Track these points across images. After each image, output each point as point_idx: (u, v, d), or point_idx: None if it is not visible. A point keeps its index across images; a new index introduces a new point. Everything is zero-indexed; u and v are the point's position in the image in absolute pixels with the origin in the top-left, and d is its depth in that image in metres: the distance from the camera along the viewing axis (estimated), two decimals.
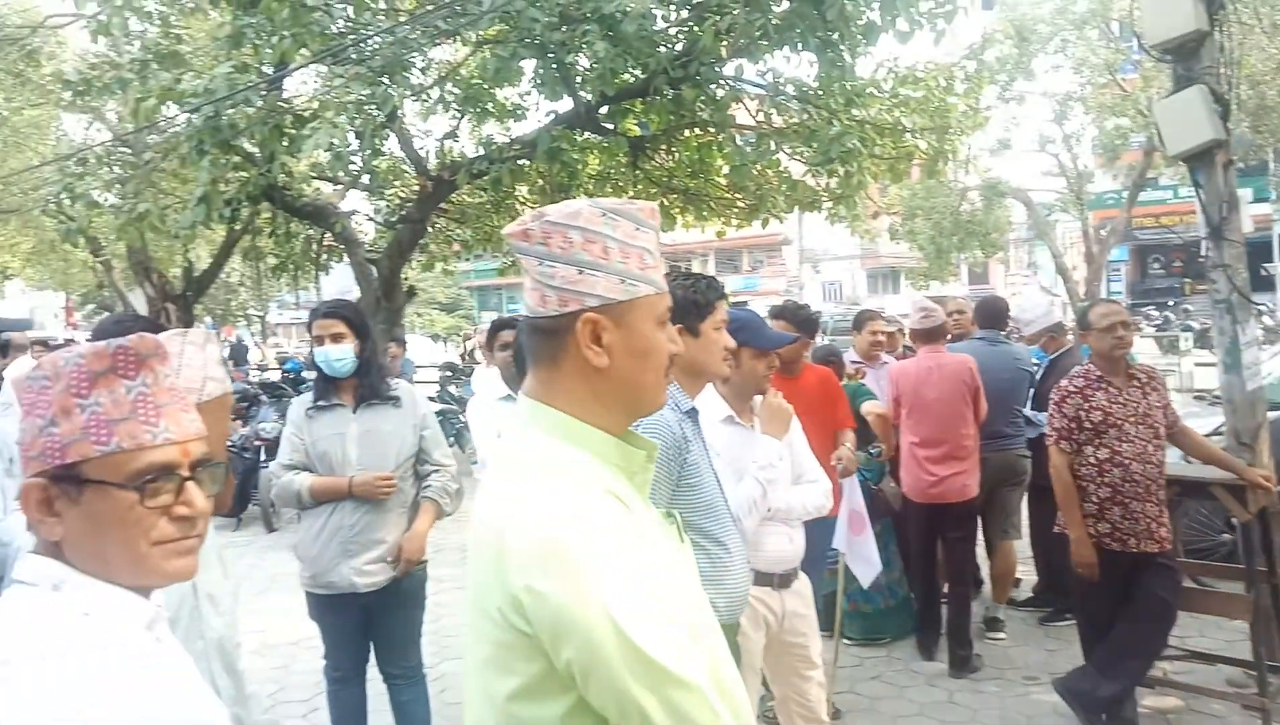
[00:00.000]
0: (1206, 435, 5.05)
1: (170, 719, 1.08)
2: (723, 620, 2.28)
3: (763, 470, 2.88)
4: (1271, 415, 4.92)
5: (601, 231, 1.27)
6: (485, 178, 8.76)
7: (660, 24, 7.92)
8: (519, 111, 9.87)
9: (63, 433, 1.11)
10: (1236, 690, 4.36)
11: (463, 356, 19.41)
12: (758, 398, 3.13)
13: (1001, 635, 5.36)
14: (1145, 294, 32.32)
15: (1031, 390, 5.64)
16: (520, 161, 8.94)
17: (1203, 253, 4.91)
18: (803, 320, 4.47)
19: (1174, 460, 4.52)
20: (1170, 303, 28.92)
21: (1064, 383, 4.10)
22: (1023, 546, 5.76)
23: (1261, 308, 21.49)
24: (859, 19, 7.23)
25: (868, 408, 5.02)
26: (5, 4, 14.37)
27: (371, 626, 3.57)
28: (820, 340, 9.21)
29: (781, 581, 3.11)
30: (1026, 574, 6.05)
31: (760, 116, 9.25)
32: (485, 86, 8.71)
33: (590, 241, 1.26)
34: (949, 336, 5.77)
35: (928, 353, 5.11)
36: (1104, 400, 3.95)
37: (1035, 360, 6.05)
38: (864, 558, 4.35)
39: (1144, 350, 19.61)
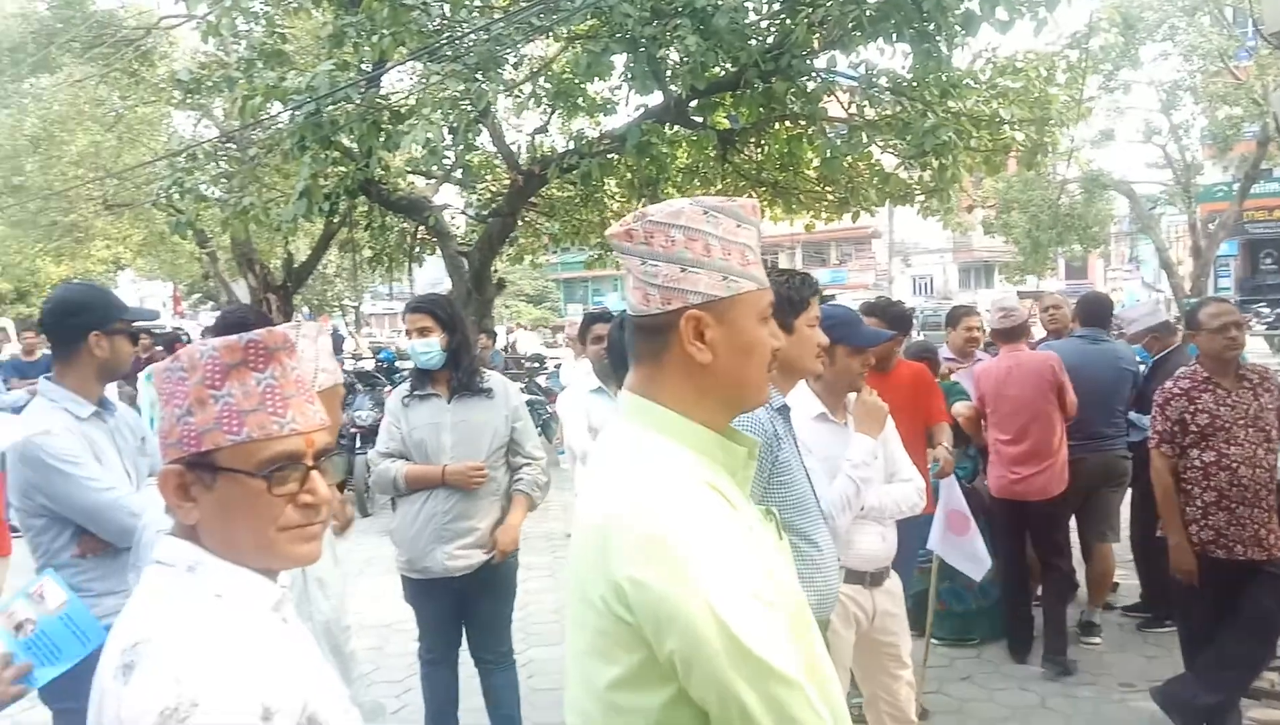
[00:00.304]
0: None
1: (294, 697, 1.14)
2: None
3: (856, 468, 2.86)
4: None
5: (703, 229, 1.28)
6: (575, 172, 8.87)
7: (752, 17, 7.89)
8: (609, 106, 9.93)
9: (198, 422, 1.18)
10: None
11: (506, 348, 19.31)
12: (851, 395, 3.11)
13: (1097, 640, 5.21)
14: (1256, 290, 30.78)
15: (1134, 392, 5.46)
16: (610, 155, 9.03)
17: None
18: (895, 316, 4.43)
19: None
20: None
21: (1168, 384, 3.96)
22: (1120, 549, 5.60)
23: None
24: (957, 9, 7.08)
25: (958, 409, 5.00)
26: (122, 7, 15.06)
27: (464, 611, 3.68)
28: (916, 335, 9.07)
29: (873, 580, 3.09)
30: (1123, 578, 5.88)
31: (852, 109, 9.14)
32: (576, 81, 8.80)
33: (692, 239, 1.28)
34: (1040, 334, 5.62)
35: (1008, 352, 5.08)
36: (1211, 402, 3.80)
37: (1140, 359, 5.85)
38: (971, 555, 4.31)
39: (1254, 348, 18.76)
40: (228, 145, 10.94)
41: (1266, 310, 25.97)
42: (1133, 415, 5.35)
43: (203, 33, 8.70)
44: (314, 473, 1.23)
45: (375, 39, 7.28)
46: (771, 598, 1.20)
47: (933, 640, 4.67)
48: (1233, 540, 3.77)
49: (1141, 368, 5.77)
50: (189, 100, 10.78)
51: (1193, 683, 3.87)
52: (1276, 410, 3.86)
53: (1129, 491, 5.51)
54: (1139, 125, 21.14)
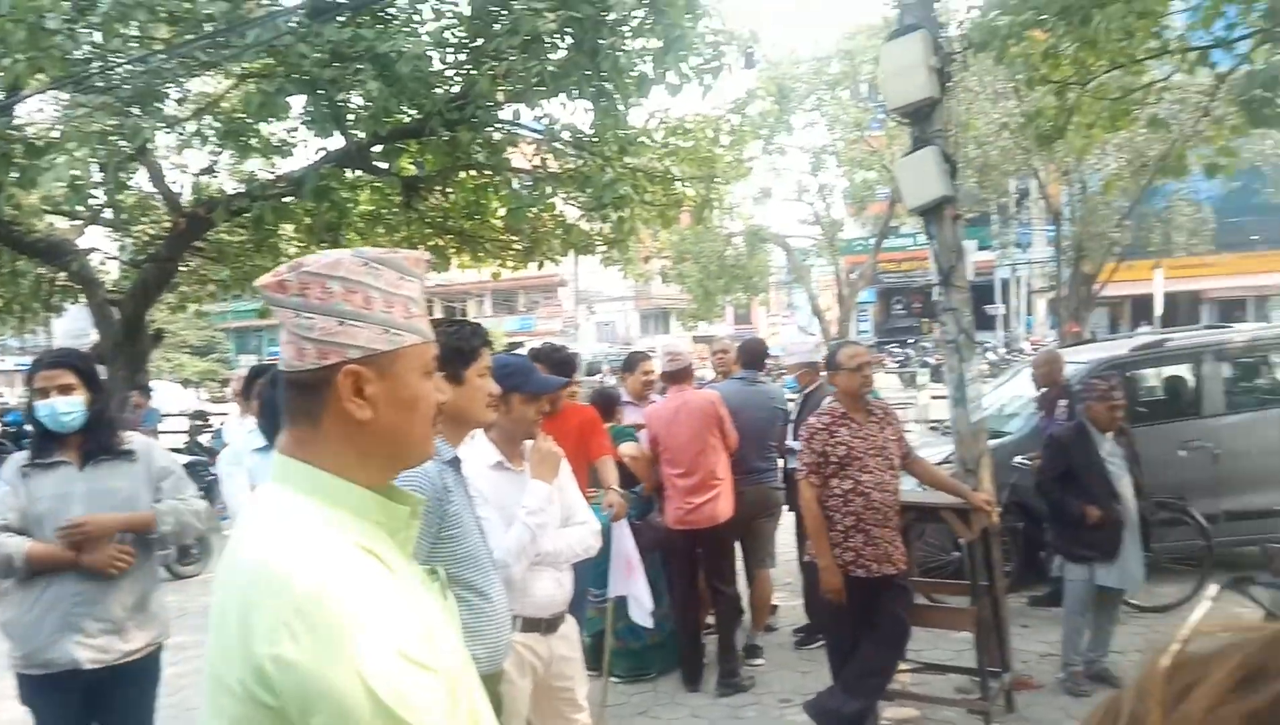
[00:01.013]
0: (939, 463, 5.58)
1: None
2: (484, 670, 2.27)
3: (532, 515, 2.91)
4: (992, 444, 5.51)
5: (363, 281, 1.25)
6: (246, 215, 8.37)
7: (437, 66, 7.90)
8: (285, 148, 9.49)
9: None
10: (964, 696, 4.81)
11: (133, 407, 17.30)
12: (528, 442, 3.16)
13: (760, 661, 5.64)
14: (889, 333, 35.22)
15: (784, 427, 6.03)
16: (285, 199, 8.62)
17: (935, 296, 5.45)
18: (560, 362, 4.60)
19: (910, 488, 4.96)
20: (911, 341, 31.61)
21: (811, 420, 4.42)
22: (778, 574, 6.10)
23: (984, 344, 23.94)
24: (632, 70, 7.53)
25: (624, 450, 5.25)
26: None
27: (96, 708, 3.20)
28: (613, 380, 9.38)
29: (549, 626, 3.12)
30: (781, 600, 6.42)
31: (536, 161, 9.38)
32: (249, 121, 8.33)
33: (352, 291, 1.24)
34: (711, 376, 6.05)
35: (675, 392, 5.45)
36: (847, 435, 4.28)
37: (791, 393, 6.46)
38: (637, 597, 4.46)
39: (889, 385, 21.34)
40: None
41: (898, 350, 29.69)
42: (794, 442, 5.89)
43: None
44: None
45: (8, 63, 6.47)
46: (429, 661, 1.16)
47: (611, 678, 4.81)
48: (869, 559, 4.24)
49: (793, 400, 6.39)
50: None
51: (840, 692, 4.29)
52: (897, 440, 4.43)
53: (791, 520, 6.05)
54: (793, 185, 23.48)
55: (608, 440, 4.79)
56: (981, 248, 25.43)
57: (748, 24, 21.68)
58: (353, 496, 1.25)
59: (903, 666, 4.67)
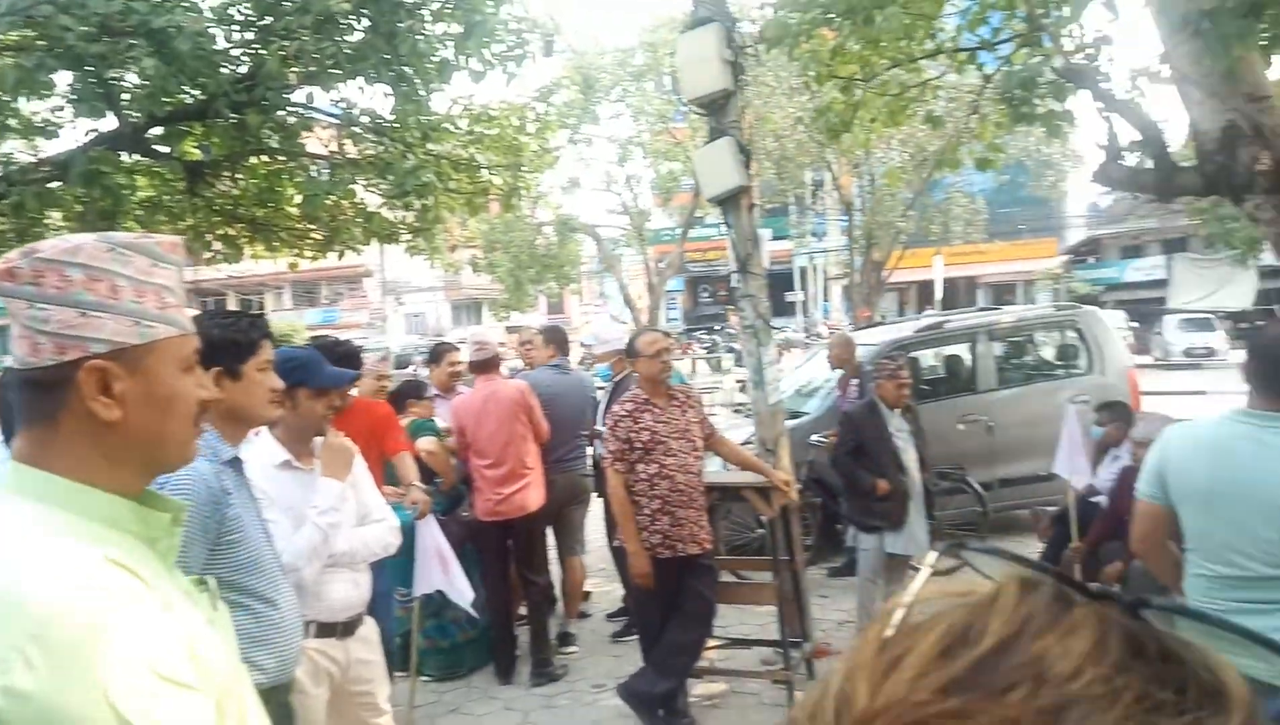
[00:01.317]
0: (743, 443, 5.77)
1: None
2: (273, 681, 2.18)
3: (323, 515, 2.78)
4: (790, 424, 5.75)
5: (109, 268, 1.15)
6: (4, 202, 7.62)
7: (221, 44, 7.43)
8: (50, 129, 8.67)
9: None
10: (768, 668, 5.01)
11: None
12: (318, 439, 3.02)
13: (574, 649, 5.67)
14: (698, 320, 36.28)
15: (602, 409, 6.10)
16: (50, 184, 7.91)
17: (734, 284, 5.62)
18: (342, 355, 4.45)
19: (716, 468, 5.10)
20: (718, 327, 32.63)
21: (616, 408, 4.47)
22: (593, 561, 6.16)
23: (785, 330, 24.86)
24: (432, 55, 7.35)
25: (421, 445, 5.14)
26: None
27: None
28: (425, 372, 9.15)
29: (346, 629, 2.99)
30: (594, 587, 6.48)
31: (334, 146, 9.01)
32: (4, 98, 7.56)
33: (95, 280, 1.14)
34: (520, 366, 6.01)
35: (483, 383, 5.37)
36: (650, 421, 4.36)
37: (603, 381, 6.52)
38: (459, 591, 4.37)
39: (699, 370, 21.99)
40: None
41: (706, 337, 30.61)
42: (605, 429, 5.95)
43: None
44: None
45: None
46: (189, 679, 1.08)
47: (422, 678, 4.70)
48: (675, 540, 4.33)
49: (603, 388, 6.46)
50: None
51: (650, 674, 4.37)
52: (699, 423, 4.54)
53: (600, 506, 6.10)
54: (601, 175, 23.68)
55: (403, 435, 4.66)
56: (780, 237, 26.52)
57: (550, 12, 21.73)
58: (100, 505, 1.16)
59: (710, 643, 4.80)
